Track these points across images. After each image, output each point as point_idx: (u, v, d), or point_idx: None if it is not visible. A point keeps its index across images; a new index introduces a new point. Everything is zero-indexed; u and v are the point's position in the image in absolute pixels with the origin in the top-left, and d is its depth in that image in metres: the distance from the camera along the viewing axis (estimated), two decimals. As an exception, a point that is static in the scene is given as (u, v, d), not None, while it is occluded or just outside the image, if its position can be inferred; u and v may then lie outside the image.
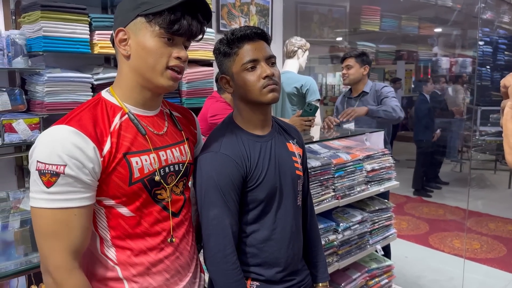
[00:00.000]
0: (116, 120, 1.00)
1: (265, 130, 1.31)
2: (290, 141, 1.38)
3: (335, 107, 3.34)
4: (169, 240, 1.07)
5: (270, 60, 1.24)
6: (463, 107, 6.80)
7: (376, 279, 2.39)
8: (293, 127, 1.47)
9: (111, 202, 0.99)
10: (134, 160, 0.99)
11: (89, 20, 2.47)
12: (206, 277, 1.31)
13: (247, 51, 1.21)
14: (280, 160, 1.29)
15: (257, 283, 1.29)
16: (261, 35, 1.24)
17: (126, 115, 1.02)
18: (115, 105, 1.02)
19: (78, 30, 2.41)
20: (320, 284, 1.49)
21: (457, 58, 8.23)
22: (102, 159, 0.94)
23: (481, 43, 6.56)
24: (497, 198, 5.76)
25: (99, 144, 0.94)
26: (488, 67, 6.99)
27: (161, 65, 0.99)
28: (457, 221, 4.82)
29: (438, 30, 7.53)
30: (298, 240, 1.38)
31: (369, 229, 2.29)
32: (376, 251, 2.37)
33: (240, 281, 1.20)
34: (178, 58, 1.01)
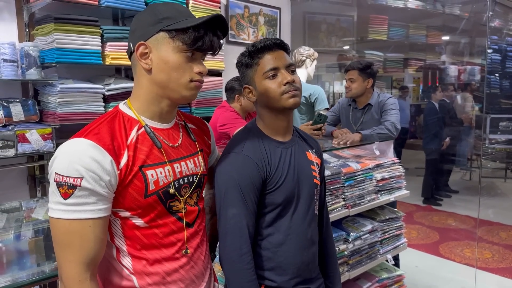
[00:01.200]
0: (133, 134, 1.02)
1: (286, 137, 1.35)
2: (310, 150, 1.41)
3: (337, 107, 3.24)
4: (184, 251, 1.08)
5: (290, 68, 1.29)
6: (472, 115, 6.75)
7: (387, 289, 2.38)
8: (312, 138, 1.51)
9: (126, 213, 1.01)
10: (149, 173, 1.01)
11: (101, 31, 2.51)
12: (220, 286, 1.32)
13: (267, 60, 1.27)
14: (299, 167, 1.32)
15: None
16: (280, 45, 1.30)
17: (143, 128, 1.04)
18: (132, 118, 1.04)
19: (90, 41, 2.45)
20: None
21: (466, 66, 8.20)
22: (119, 172, 0.96)
23: (489, 51, 6.53)
24: (508, 207, 5.69)
25: (116, 157, 0.96)
26: (497, 75, 6.95)
27: (185, 79, 1.02)
28: (468, 230, 4.77)
29: (446, 38, 7.52)
30: (313, 248, 1.39)
31: (379, 239, 2.28)
32: (387, 260, 2.36)
33: (253, 282, 1.22)
34: (199, 73, 1.04)
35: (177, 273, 1.08)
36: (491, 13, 5.24)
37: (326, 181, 2.03)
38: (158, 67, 1.01)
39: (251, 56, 1.29)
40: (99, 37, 2.50)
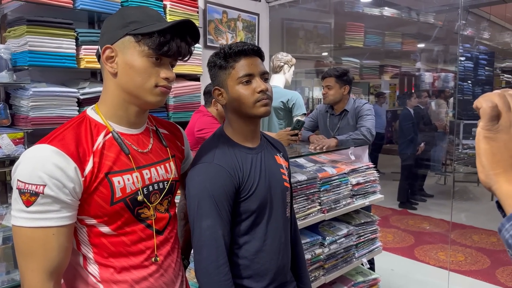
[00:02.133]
0: (100, 139, 1.00)
1: (254, 143, 1.34)
2: (278, 154, 1.41)
3: (315, 113, 3.29)
4: (153, 259, 1.06)
5: (264, 76, 1.29)
6: (446, 121, 6.91)
7: (363, 293, 2.40)
8: (278, 141, 1.51)
9: (93, 221, 0.99)
10: (116, 179, 0.99)
11: (76, 35, 2.48)
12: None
13: (243, 66, 1.25)
14: (269, 172, 1.32)
15: None
16: (257, 52, 1.29)
17: (110, 134, 1.02)
18: (100, 123, 1.02)
19: (64, 44, 2.42)
20: None
21: (440, 73, 8.40)
22: (83, 179, 0.94)
23: (462, 58, 6.71)
24: (480, 210, 5.84)
25: (81, 164, 0.94)
26: (469, 82, 7.15)
27: (149, 84, 1.00)
28: (442, 233, 4.87)
29: (420, 45, 7.70)
30: (287, 251, 1.39)
31: (355, 242, 2.31)
32: (362, 264, 2.39)
33: None
34: (166, 78, 1.01)
35: (146, 281, 1.05)
36: (463, 21, 5.39)
37: (302, 185, 2.05)
38: (123, 71, 1.00)
39: (226, 59, 1.27)
40: (74, 40, 2.46)
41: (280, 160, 1.40)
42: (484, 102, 0.61)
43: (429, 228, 5.09)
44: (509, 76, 10.30)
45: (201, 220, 1.19)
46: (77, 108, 2.49)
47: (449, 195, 6.22)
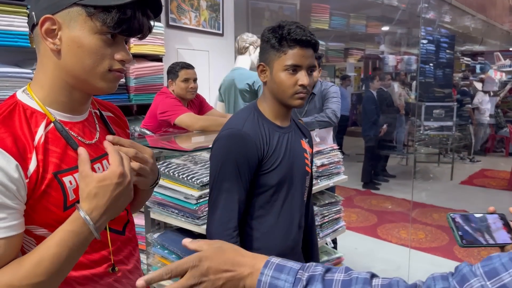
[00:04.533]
0: (41, 131, 0.82)
1: (284, 123, 1.37)
2: (303, 139, 1.45)
3: None
4: (110, 269, 0.92)
5: (311, 69, 1.29)
6: (404, 103, 7.07)
7: (327, 272, 2.44)
8: (306, 128, 1.54)
9: (43, 231, 0.82)
10: (67, 179, 0.83)
11: (28, 12, 2.34)
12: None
13: (294, 55, 1.24)
14: (294, 153, 1.35)
15: None
16: (313, 45, 1.27)
17: (52, 124, 0.84)
18: (37, 110, 0.84)
19: (15, 22, 2.29)
20: None
21: (403, 56, 8.57)
22: (28, 180, 0.77)
23: (424, 41, 6.86)
24: (440, 190, 6.06)
25: (23, 162, 0.77)
26: (431, 64, 7.33)
27: (102, 68, 0.83)
28: (403, 212, 5.03)
29: (385, 28, 7.81)
30: (299, 234, 1.42)
31: (319, 223, 2.33)
32: (326, 243, 2.43)
33: None
34: (121, 61, 0.85)
35: (111, 286, 0.93)
36: (425, 4, 5.48)
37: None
38: (68, 49, 0.81)
39: (280, 41, 1.24)
40: (26, 18, 2.33)
41: (305, 145, 1.43)
42: None
43: (391, 207, 5.24)
44: (469, 59, 10.65)
45: (221, 182, 1.24)
46: (32, 89, 2.37)
47: (411, 175, 6.42)
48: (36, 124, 0.82)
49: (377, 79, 6.08)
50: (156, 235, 1.88)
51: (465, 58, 10.48)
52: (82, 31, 0.80)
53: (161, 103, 2.59)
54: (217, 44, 3.99)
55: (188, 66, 2.66)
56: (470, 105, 8.03)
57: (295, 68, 1.25)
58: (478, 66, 10.52)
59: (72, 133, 0.87)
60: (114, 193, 0.77)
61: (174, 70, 2.63)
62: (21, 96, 0.85)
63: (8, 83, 2.28)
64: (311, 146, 1.52)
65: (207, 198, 1.37)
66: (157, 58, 3.21)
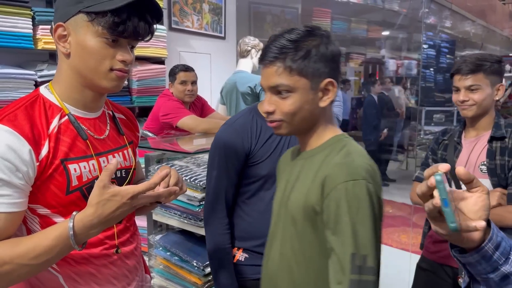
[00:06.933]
0: (55, 122, 0.92)
1: None
2: None
3: None
4: (115, 251, 1.02)
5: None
6: (404, 108, 7.07)
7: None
8: None
9: (46, 211, 0.92)
10: (72, 167, 0.93)
11: (32, 14, 2.36)
12: (152, 280, 1.29)
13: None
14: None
15: (246, 255, 1.42)
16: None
17: (66, 117, 0.95)
18: (54, 104, 0.95)
19: (20, 24, 2.30)
20: None
21: (404, 60, 8.59)
22: (38, 163, 0.87)
23: (425, 46, 6.87)
24: (440, 194, 6.04)
25: (36, 147, 0.87)
26: (432, 69, 7.34)
27: (103, 68, 0.92)
28: (404, 216, 5.02)
29: (385, 33, 7.82)
30: None
31: (321, 227, 2.33)
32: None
33: (224, 236, 1.39)
34: (122, 61, 0.94)
35: (109, 269, 1.01)
36: (426, 10, 5.50)
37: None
38: (76, 52, 0.92)
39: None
40: (30, 20, 2.34)
41: None
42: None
43: (391, 211, 5.23)
44: (469, 64, 10.62)
45: (212, 169, 1.40)
46: (35, 91, 2.38)
47: (411, 179, 6.40)
48: (52, 115, 0.93)
49: (378, 83, 6.08)
50: (158, 237, 1.88)
51: (466, 63, 10.45)
52: (86, 35, 0.91)
53: (163, 106, 2.59)
54: (219, 47, 4.01)
55: (187, 69, 2.65)
56: (470, 110, 8.01)
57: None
58: (478, 71, 10.50)
59: (83, 126, 0.97)
60: (119, 210, 0.84)
61: (173, 72, 2.64)
62: (43, 90, 0.97)
63: (11, 84, 2.29)
64: None
65: (209, 200, 1.45)
66: (160, 61, 3.22)
